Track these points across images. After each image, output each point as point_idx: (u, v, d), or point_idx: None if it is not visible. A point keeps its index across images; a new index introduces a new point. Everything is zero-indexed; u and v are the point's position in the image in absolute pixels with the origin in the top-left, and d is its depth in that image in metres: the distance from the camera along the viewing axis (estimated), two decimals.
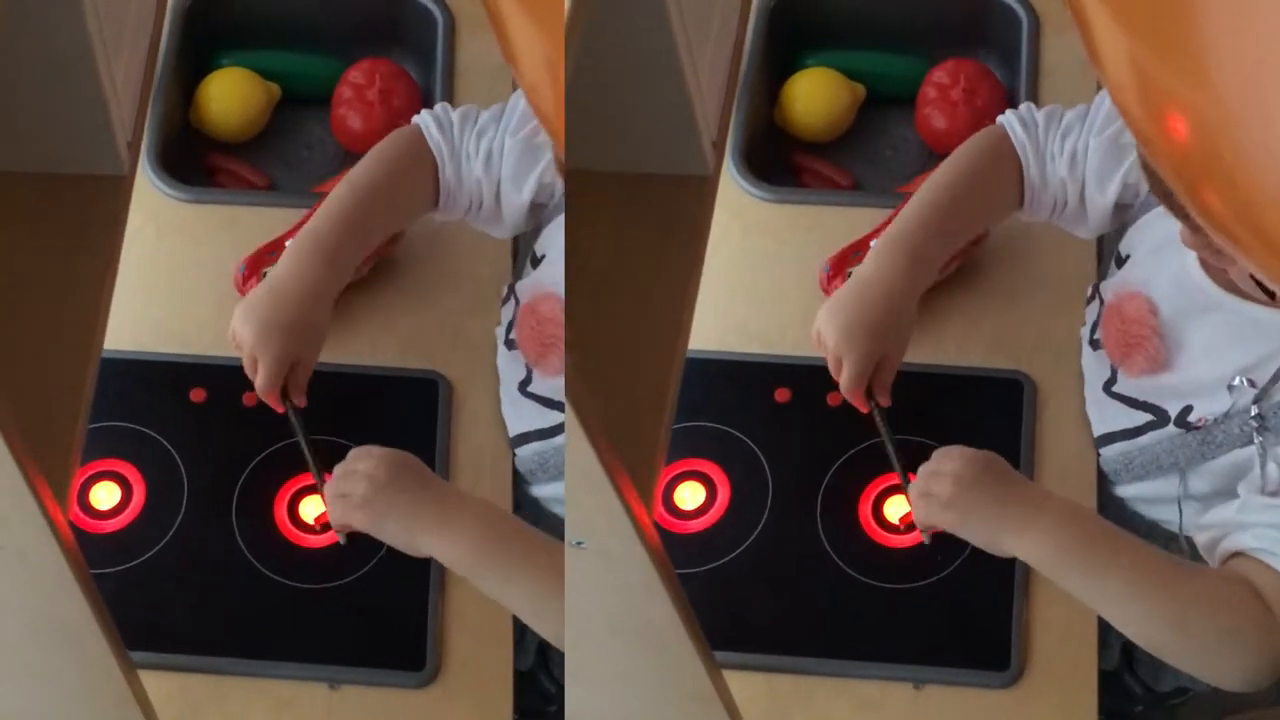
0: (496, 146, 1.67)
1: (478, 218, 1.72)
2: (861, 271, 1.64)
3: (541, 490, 1.71)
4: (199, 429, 1.73)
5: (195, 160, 1.93)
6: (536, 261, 1.72)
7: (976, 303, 1.79)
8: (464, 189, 1.69)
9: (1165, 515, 1.69)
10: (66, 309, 1.43)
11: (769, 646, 1.68)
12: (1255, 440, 1.56)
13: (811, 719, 1.66)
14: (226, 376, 1.72)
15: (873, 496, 1.72)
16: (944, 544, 1.69)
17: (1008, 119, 1.69)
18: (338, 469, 1.55)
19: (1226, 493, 1.62)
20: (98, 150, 1.45)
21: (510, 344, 1.68)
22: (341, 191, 1.67)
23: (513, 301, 1.71)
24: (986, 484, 1.51)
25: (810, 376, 1.76)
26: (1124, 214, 1.71)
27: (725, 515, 1.73)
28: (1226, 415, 1.58)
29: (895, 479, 1.69)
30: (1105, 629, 1.64)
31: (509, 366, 1.69)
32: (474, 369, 1.74)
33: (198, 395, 1.74)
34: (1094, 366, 1.69)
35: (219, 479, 1.71)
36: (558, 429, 1.64)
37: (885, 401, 1.63)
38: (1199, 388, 1.61)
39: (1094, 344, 1.69)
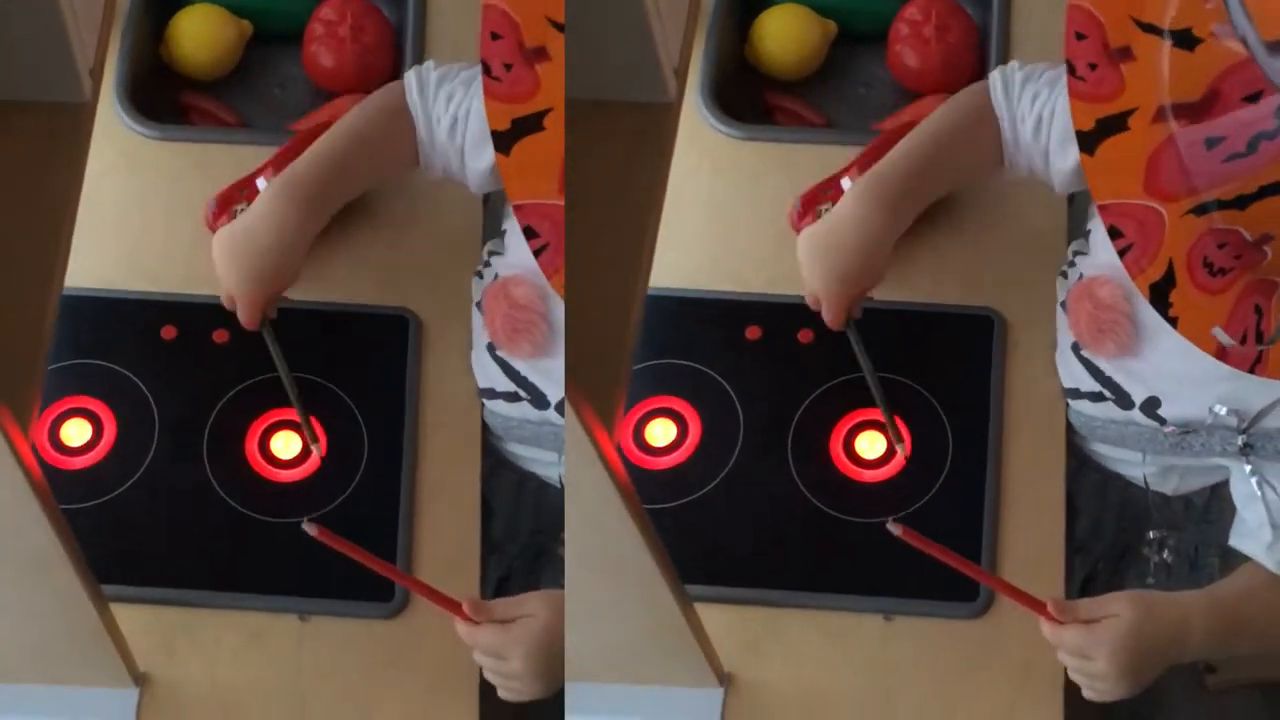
0: (462, 112, 1.67)
1: (452, 179, 1.72)
2: (840, 214, 1.65)
3: (507, 447, 1.73)
4: (170, 366, 1.74)
5: (167, 98, 1.93)
6: (503, 232, 1.73)
7: (948, 240, 1.79)
8: (434, 152, 1.69)
9: (1130, 472, 1.72)
10: (29, 239, 1.42)
11: (741, 580, 1.69)
12: (1246, 469, 1.60)
13: (783, 650, 1.67)
14: (197, 313, 1.73)
15: (844, 432, 1.73)
16: (912, 477, 1.71)
17: (992, 80, 1.69)
18: (488, 664, 1.58)
19: (1195, 467, 1.67)
20: (59, 78, 1.44)
21: (481, 307, 1.69)
22: (325, 141, 1.69)
23: (491, 268, 1.71)
24: (1142, 643, 1.56)
25: (781, 314, 1.77)
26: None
27: (696, 452, 1.73)
28: (1207, 429, 1.61)
29: (865, 415, 1.71)
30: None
31: (480, 326, 1.70)
32: (445, 309, 1.74)
33: (168, 332, 1.75)
34: (1064, 326, 1.70)
35: (190, 415, 1.72)
36: (517, 395, 1.67)
37: (855, 315, 1.69)
38: (1168, 384, 1.63)
39: (1065, 306, 1.70)
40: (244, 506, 1.69)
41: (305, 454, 1.70)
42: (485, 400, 1.70)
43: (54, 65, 1.43)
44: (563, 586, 1.53)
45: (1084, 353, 1.68)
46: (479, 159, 1.67)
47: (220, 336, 1.73)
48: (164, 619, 1.65)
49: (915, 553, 1.68)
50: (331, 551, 1.64)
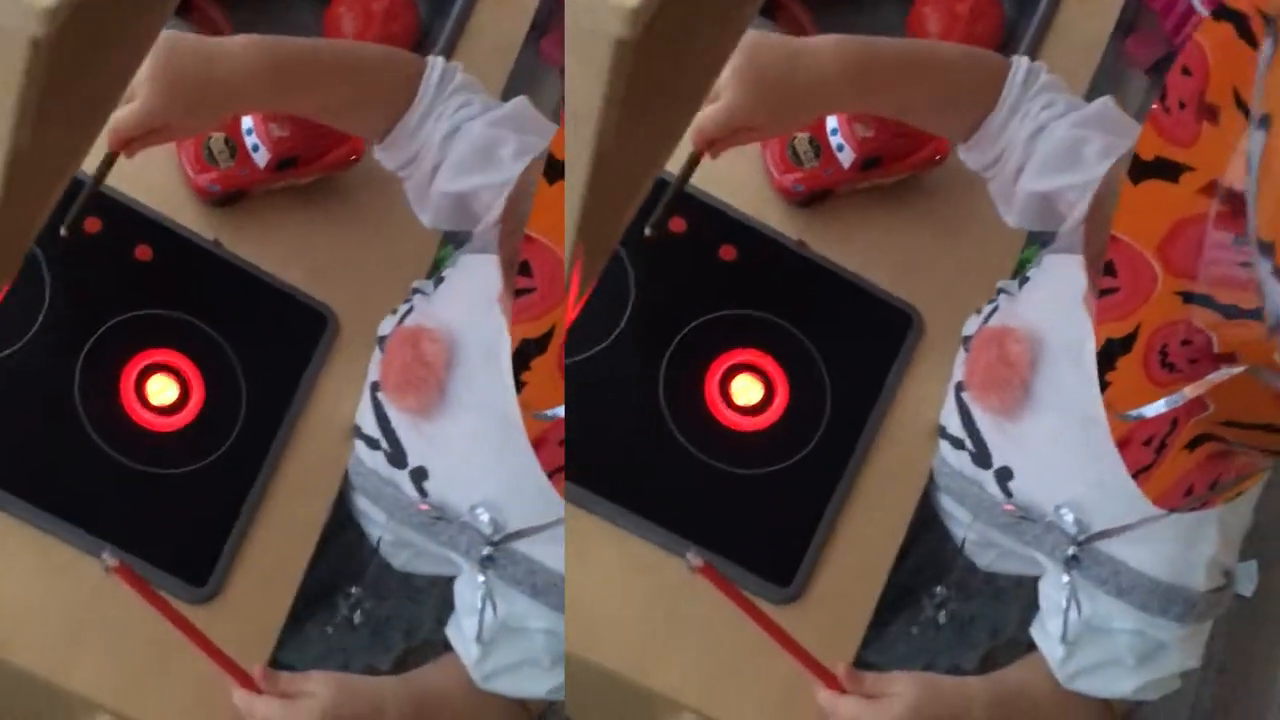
0: (465, 126, 1.54)
1: (409, 180, 1.57)
2: (805, 43, 1.54)
3: (351, 491, 1.62)
4: (79, 260, 1.60)
5: None
6: (440, 280, 1.60)
7: (901, 225, 1.69)
8: (413, 141, 1.55)
9: (954, 529, 1.65)
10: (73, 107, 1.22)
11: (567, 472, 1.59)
12: (1063, 579, 1.55)
13: (574, 556, 1.56)
14: (130, 219, 1.61)
15: (724, 368, 1.63)
16: (775, 439, 1.62)
17: (1017, 61, 1.59)
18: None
19: (1017, 553, 1.61)
20: None
21: (383, 345, 1.58)
22: (325, 41, 1.61)
23: (409, 306, 1.59)
24: None
25: (713, 220, 1.66)
26: (1048, 221, 1.63)
27: (570, 325, 1.62)
28: (1045, 524, 1.55)
29: (750, 357, 1.62)
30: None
31: (376, 361, 1.58)
32: (368, 322, 1.61)
33: (92, 224, 1.60)
34: (960, 361, 1.63)
35: (80, 319, 1.59)
36: (377, 444, 1.56)
37: (711, 156, 1.53)
38: (1030, 462, 1.57)
39: (966, 343, 1.62)
40: (96, 433, 1.57)
41: (178, 407, 1.59)
42: (356, 439, 1.59)
43: None
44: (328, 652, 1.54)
45: (965, 395, 1.60)
46: (451, 181, 1.54)
47: (143, 253, 1.61)
48: None
49: (749, 516, 1.61)
50: (165, 516, 1.56)
